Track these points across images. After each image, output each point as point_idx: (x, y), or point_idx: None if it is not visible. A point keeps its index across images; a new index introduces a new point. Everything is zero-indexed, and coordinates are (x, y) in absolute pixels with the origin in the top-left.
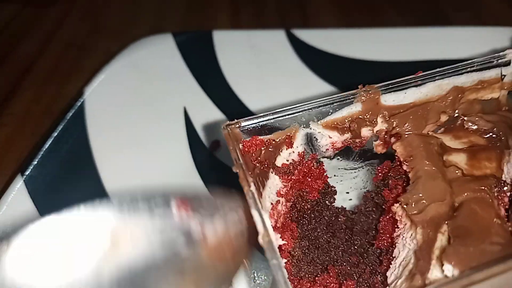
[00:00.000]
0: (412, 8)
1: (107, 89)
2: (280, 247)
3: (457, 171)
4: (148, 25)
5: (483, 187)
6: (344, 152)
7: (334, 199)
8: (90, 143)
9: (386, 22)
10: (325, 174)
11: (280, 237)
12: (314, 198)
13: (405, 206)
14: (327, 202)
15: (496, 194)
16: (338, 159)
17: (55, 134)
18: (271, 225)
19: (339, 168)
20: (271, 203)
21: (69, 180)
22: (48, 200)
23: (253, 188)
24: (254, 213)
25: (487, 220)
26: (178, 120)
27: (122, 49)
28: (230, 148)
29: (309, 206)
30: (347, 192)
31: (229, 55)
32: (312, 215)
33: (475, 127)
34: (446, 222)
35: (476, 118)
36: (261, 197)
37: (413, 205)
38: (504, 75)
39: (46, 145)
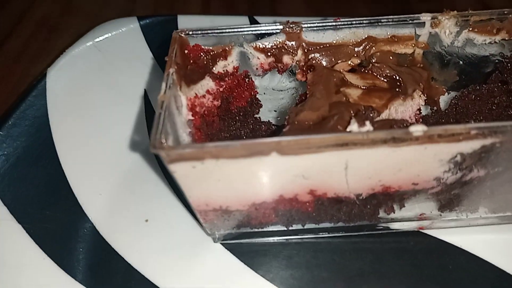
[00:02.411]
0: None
1: (70, 70)
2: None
3: (344, 98)
4: (119, 7)
5: (348, 109)
6: (274, 75)
7: (259, 110)
8: (50, 124)
9: (352, 11)
10: (255, 88)
11: (192, 115)
12: (242, 105)
13: (290, 112)
14: (253, 111)
15: (358, 117)
16: (268, 79)
17: (16, 112)
18: (191, 108)
19: (268, 88)
20: (196, 93)
21: (27, 158)
22: (7, 176)
23: (172, 70)
24: (163, 84)
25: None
26: (138, 102)
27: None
28: (171, 46)
29: (236, 110)
30: (275, 110)
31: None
32: (237, 118)
33: (380, 72)
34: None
35: (384, 66)
36: (188, 86)
37: (293, 112)
38: (419, 35)
39: (8, 122)
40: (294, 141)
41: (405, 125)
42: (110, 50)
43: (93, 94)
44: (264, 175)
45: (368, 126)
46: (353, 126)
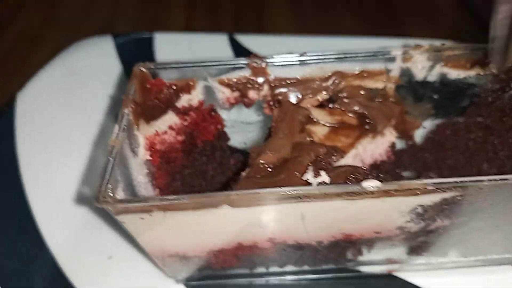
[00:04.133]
0: (369, 14)
1: (40, 95)
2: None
3: (308, 138)
4: (101, 21)
5: (309, 153)
6: (241, 108)
7: (227, 144)
8: (18, 153)
9: (340, 25)
10: (222, 122)
11: (150, 155)
12: (208, 139)
13: (252, 152)
14: (220, 145)
15: (315, 164)
16: (236, 112)
17: None
18: (149, 147)
19: (236, 121)
20: (156, 130)
21: None
22: None
23: (127, 111)
24: (115, 127)
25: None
26: (111, 124)
27: (71, 44)
28: (129, 82)
29: (202, 144)
30: (245, 143)
31: (168, 58)
32: (203, 153)
33: (349, 108)
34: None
35: (353, 102)
36: (147, 123)
37: (254, 152)
38: (390, 70)
39: None
40: (244, 195)
41: (364, 173)
42: (82, 73)
43: (64, 121)
44: (217, 226)
45: (323, 176)
46: (309, 175)
